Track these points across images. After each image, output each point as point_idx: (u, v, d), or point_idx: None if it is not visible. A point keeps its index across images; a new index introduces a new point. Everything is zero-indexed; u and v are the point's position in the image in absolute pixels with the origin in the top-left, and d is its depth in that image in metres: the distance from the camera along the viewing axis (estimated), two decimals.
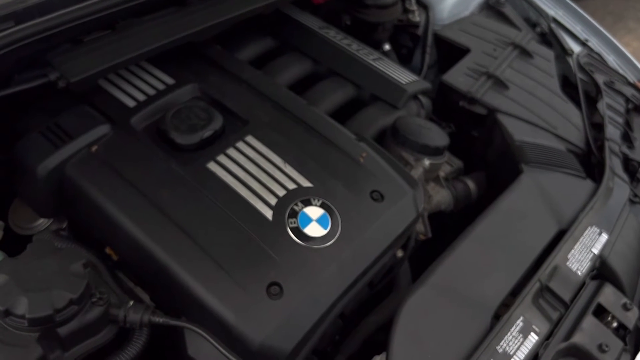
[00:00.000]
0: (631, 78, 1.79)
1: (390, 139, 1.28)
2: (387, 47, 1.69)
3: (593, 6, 4.25)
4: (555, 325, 1.03)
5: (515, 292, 1.04)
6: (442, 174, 1.40)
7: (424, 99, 1.42)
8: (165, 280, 0.96)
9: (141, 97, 1.18)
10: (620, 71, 1.80)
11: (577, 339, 1.04)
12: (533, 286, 1.04)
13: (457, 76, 1.52)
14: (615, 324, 1.10)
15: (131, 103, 1.16)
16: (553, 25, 1.85)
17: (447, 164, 1.45)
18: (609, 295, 1.13)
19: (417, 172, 1.22)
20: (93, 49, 1.10)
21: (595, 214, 1.23)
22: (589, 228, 1.19)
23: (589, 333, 1.05)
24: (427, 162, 1.24)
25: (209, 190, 1.03)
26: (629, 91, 1.69)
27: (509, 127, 1.39)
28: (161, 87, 1.20)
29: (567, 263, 1.11)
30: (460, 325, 0.97)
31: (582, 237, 1.17)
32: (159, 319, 0.90)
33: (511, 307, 1.00)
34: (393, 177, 1.13)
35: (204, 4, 1.25)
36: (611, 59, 1.83)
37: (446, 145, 1.28)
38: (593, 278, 1.16)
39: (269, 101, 1.22)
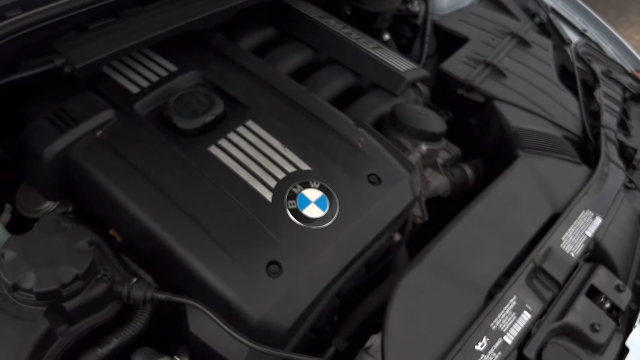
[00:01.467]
0: (629, 68, 1.80)
1: (389, 125, 1.31)
2: (386, 36, 1.71)
3: None
4: (549, 305, 1.06)
5: (509, 273, 1.06)
6: (440, 160, 1.43)
7: (422, 87, 1.45)
8: (167, 260, 0.99)
9: (144, 84, 1.20)
10: (619, 61, 1.82)
11: (570, 318, 1.06)
12: (527, 267, 1.06)
13: (456, 64, 1.55)
14: (608, 305, 1.12)
15: (135, 89, 1.19)
16: (552, 16, 1.86)
17: (445, 151, 1.47)
18: (602, 277, 1.15)
19: (414, 157, 1.25)
20: (97, 36, 1.13)
21: (589, 199, 1.25)
22: (583, 212, 1.22)
23: (582, 313, 1.08)
24: (424, 147, 1.26)
25: (210, 173, 1.06)
26: (626, 80, 1.71)
27: (506, 114, 1.41)
28: (164, 73, 1.23)
29: (561, 245, 1.13)
30: (455, 303, 1.00)
31: (576, 221, 1.19)
32: (162, 296, 0.93)
33: (505, 287, 1.02)
34: (390, 161, 1.16)
35: None
36: (609, 49, 1.85)
37: (443, 131, 1.31)
38: (587, 260, 1.18)
39: (269, 88, 1.25)
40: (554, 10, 1.90)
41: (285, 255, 0.98)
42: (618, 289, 1.15)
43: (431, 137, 1.28)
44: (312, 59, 1.49)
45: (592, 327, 1.06)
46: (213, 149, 1.09)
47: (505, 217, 1.15)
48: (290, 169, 1.09)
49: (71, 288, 0.85)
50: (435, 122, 1.31)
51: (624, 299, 1.14)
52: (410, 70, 1.44)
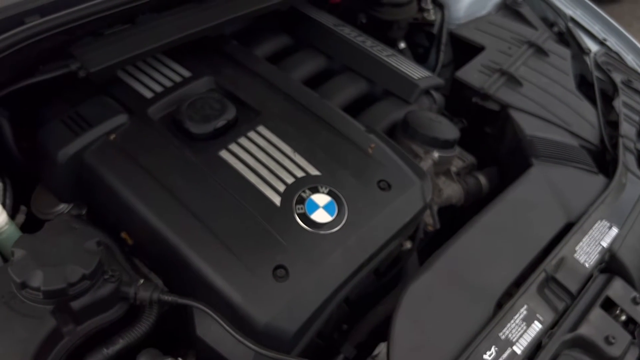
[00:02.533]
0: None
1: (401, 132, 1.30)
2: (402, 45, 1.71)
3: (620, 11, 4.19)
4: (561, 315, 1.03)
5: (520, 282, 1.05)
6: (453, 168, 1.41)
7: (436, 95, 1.44)
8: (176, 263, 0.99)
9: (158, 89, 1.22)
10: None
11: (584, 330, 1.03)
12: (538, 276, 1.04)
13: (471, 73, 1.54)
14: (624, 318, 1.10)
15: (149, 94, 1.21)
16: (570, 25, 1.84)
17: (459, 159, 1.46)
18: (618, 289, 1.12)
19: (426, 164, 1.24)
20: (112, 42, 1.15)
21: (605, 208, 1.22)
22: (599, 222, 1.19)
23: (596, 325, 1.05)
24: (436, 154, 1.25)
25: (220, 176, 1.07)
26: None
27: (521, 122, 1.39)
28: (178, 79, 1.25)
29: (575, 255, 1.11)
30: (463, 311, 0.98)
31: (591, 230, 1.16)
32: (168, 297, 0.93)
33: (515, 296, 1.00)
34: (401, 167, 1.15)
35: (221, 0, 1.29)
36: (630, 59, 1.82)
37: (456, 139, 1.30)
38: (602, 271, 1.15)
39: (281, 94, 1.25)
40: (573, 20, 1.87)
41: (293, 259, 0.97)
42: (634, 302, 1.12)
43: (444, 145, 1.27)
44: (326, 66, 1.49)
45: (607, 340, 1.04)
46: (224, 153, 1.10)
47: (517, 225, 1.14)
48: (300, 173, 1.09)
49: (78, 287, 0.85)
50: (448, 130, 1.30)
51: None
52: (424, 78, 1.44)
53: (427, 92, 1.43)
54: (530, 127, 1.39)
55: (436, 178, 1.33)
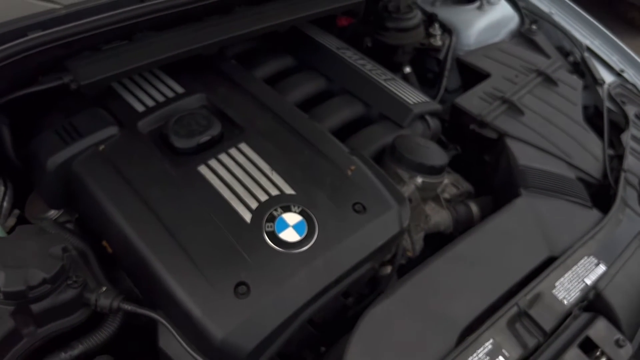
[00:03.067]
0: None
1: (388, 156, 1.29)
2: (407, 69, 1.70)
3: None
4: (532, 353, 0.99)
5: (490, 316, 1.01)
6: (446, 195, 1.39)
7: (431, 120, 1.42)
8: (145, 273, 1.01)
9: (150, 103, 1.26)
10: None
11: None
12: (509, 310, 1.01)
13: (471, 99, 1.51)
14: (604, 359, 1.05)
15: (140, 108, 1.25)
16: (586, 54, 1.80)
17: (454, 187, 1.43)
18: (600, 330, 1.07)
19: (408, 189, 1.22)
20: (106, 57, 1.20)
21: (594, 244, 1.17)
22: (586, 258, 1.14)
23: None
24: (419, 180, 1.23)
25: (195, 191, 1.09)
26: None
27: (516, 151, 1.36)
28: (171, 94, 1.28)
29: (554, 291, 1.07)
30: (423, 341, 0.95)
31: (575, 266, 1.12)
32: (127, 306, 0.95)
33: (481, 328, 0.97)
34: (380, 191, 1.14)
35: (218, 21, 1.33)
36: None
37: (444, 165, 1.28)
38: (586, 310, 1.11)
39: (270, 113, 1.27)
40: (589, 49, 1.83)
41: (255, 277, 0.98)
42: (618, 344, 1.06)
43: (430, 170, 1.25)
44: (325, 88, 1.51)
45: None
46: (202, 168, 1.12)
47: (492, 255, 1.10)
48: (275, 192, 1.09)
49: (38, 291, 0.88)
50: (436, 155, 1.28)
51: (624, 355, 1.05)
52: (420, 103, 1.43)
53: (421, 117, 1.42)
54: (525, 157, 1.35)
55: (424, 204, 1.31)
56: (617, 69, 1.80)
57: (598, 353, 1.05)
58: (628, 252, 1.21)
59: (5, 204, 1.24)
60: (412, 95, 1.45)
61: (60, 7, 1.20)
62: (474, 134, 1.46)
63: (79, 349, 0.93)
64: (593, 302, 1.12)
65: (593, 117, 1.66)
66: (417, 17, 1.67)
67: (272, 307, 0.97)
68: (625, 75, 1.79)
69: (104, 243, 1.13)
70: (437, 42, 1.70)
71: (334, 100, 1.45)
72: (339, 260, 1.04)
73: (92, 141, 1.17)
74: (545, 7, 1.95)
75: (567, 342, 1.04)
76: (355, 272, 1.07)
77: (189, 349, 0.92)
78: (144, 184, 1.10)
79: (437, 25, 1.75)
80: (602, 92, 1.68)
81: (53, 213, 1.25)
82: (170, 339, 0.98)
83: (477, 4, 1.87)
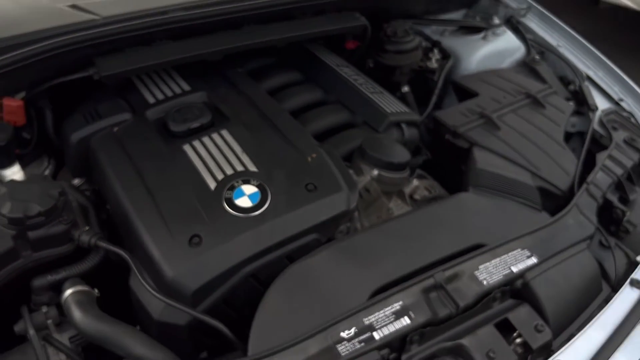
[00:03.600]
0: None
1: (356, 152, 1.45)
2: (405, 88, 1.87)
3: None
4: (443, 322, 1.09)
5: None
6: (417, 196, 1.52)
7: (407, 128, 1.57)
8: (125, 223, 1.24)
9: (161, 97, 1.52)
10: None
11: (466, 341, 1.08)
12: (425, 280, 1.12)
13: (452, 114, 1.65)
14: (519, 340, 1.12)
15: (152, 100, 1.51)
16: (586, 83, 1.87)
17: (427, 190, 1.56)
18: (521, 314, 1.14)
19: (364, 180, 1.38)
20: (125, 56, 1.48)
21: (531, 240, 1.25)
22: (519, 250, 1.22)
23: (482, 340, 1.09)
24: (375, 172, 1.38)
25: (177, 163, 1.31)
26: None
27: (479, 158, 1.47)
28: (178, 91, 1.54)
29: (476, 272, 1.16)
30: (337, 296, 1.09)
31: (505, 255, 1.20)
32: (102, 244, 1.17)
33: (392, 290, 1.09)
34: (334, 175, 1.31)
35: (225, 34, 1.59)
36: None
37: (402, 162, 1.41)
38: (514, 297, 1.19)
39: (257, 110, 1.49)
40: (589, 79, 1.90)
41: (209, 232, 1.17)
42: (536, 329, 1.13)
43: (387, 166, 1.40)
44: (321, 98, 1.70)
45: (487, 356, 1.07)
46: (186, 147, 1.35)
47: (420, 234, 1.22)
48: (240, 168, 1.30)
49: (34, 221, 1.13)
50: (396, 154, 1.42)
51: (539, 339, 1.12)
52: (399, 112, 1.59)
53: (398, 125, 1.57)
54: (486, 162, 1.46)
55: (388, 198, 1.45)
56: (616, 97, 1.85)
57: (515, 334, 1.13)
58: (569, 252, 1.27)
59: (45, 173, 1.53)
60: (393, 106, 1.61)
61: (99, 17, 1.51)
62: (449, 144, 1.59)
63: (62, 274, 1.16)
64: (520, 291, 1.19)
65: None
66: (413, 41, 1.85)
67: (218, 257, 1.15)
68: (623, 104, 1.84)
69: (108, 206, 1.38)
70: (433, 64, 1.86)
71: (324, 107, 1.65)
72: (283, 227, 1.21)
73: (108, 123, 1.44)
74: (552, 40, 2.05)
75: (484, 320, 1.13)
76: (298, 240, 1.22)
77: (144, 283, 1.12)
78: (140, 158, 1.34)
79: (436, 51, 1.91)
80: (594, 117, 1.74)
81: (77, 181, 1.52)
82: (137, 280, 1.19)
83: (482, 34, 2.00)
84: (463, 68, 1.94)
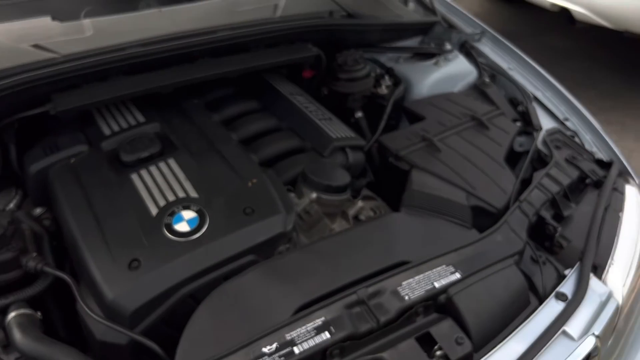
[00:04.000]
0: (605, 156, 1.79)
1: (300, 177, 1.53)
2: (359, 114, 1.95)
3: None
4: (362, 336, 1.15)
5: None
6: (362, 217, 1.60)
7: (351, 152, 1.66)
8: (74, 249, 1.32)
9: (116, 128, 1.61)
10: (595, 149, 1.82)
11: (387, 354, 1.14)
12: (348, 297, 1.18)
13: (395, 137, 1.73)
14: (440, 353, 1.17)
15: (108, 131, 1.60)
16: (533, 104, 1.95)
17: (372, 210, 1.64)
18: (443, 328, 1.20)
19: (303, 202, 1.45)
20: (82, 91, 1.58)
21: (457, 256, 1.31)
22: (444, 266, 1.29)
23: (403, 353, 1.14)
24: (314, 195, 1.46)
25: (123, 191, 1.40)
26: (588, 166, 1.72)
27: (415, 179, 1.54)
28: (133, 122, 1.63)
29: (399, 288, 1.22)
30: (261, 313, 1.16)
31: (429, 272, 1.27)
32: (47, 269, 1.25)
33: (315, 307, 1.16)
34: (272, 199, 1.39)
35: (178, 68, 1.69)
36: (588, 138, 1.86)
37: (340, 186, 1.48)
38: (437, 311, 1.25)
39: (206, 139, 1.58)
40: (537, 99, 1.98)
41: (148, 256, 1.25)
42: (457, 342, 1.19)
43: (326, 189, 1.47)
44: (274, 126, 1.78)
45: None
46: (134, 176, 1.44)
47: (346, 253, 1.29)
48: (182, 195, 1.38)
49: None
50: (335, 177, 1.50)
51: (459, 351, 1.17)
52: (344, 137, 1.67)
53: (342, 149, 1.65)
54: (422, 184, 1.53)
55: (331, 220, 1.52)
56: (561, 117, 1.93)
57: (435, 347, 1.19)
58: (495, 267, 1.33)
59: (11, 205, 1.62)
60: (339, 132, 1.70)
61: (59, 55, 1.61)
62: (392, 166, 1.66)
63: (10, 299, 1.24)
64: (444, 306, 1.25)
65: (533, 161, 1.80)
66: (364, 69, 1.94)
67: (155, 279, 1.23)
68: (568, 123, 1.91)
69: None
70: (383, 90, 1.94)
71: (276, 134, 1.73)
72: (220, 249, 1.28)
73: (65, 155, 1.54)
74: (504, 63, 2.14)
75: (406, 334, 1.19)
76: (236, 262, 1.30)
77: (83, 305, 1.20)
78: (91, 187, 1.43)
79: (387, 77, 2.00)
80: (537, 136, 1.82)
81: (39, 210, 1.61)
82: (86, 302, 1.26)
83: (434, 60, 2.09)
84: (415, 93, 2.02)
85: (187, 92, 1.80)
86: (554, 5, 4.26)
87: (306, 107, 1.80)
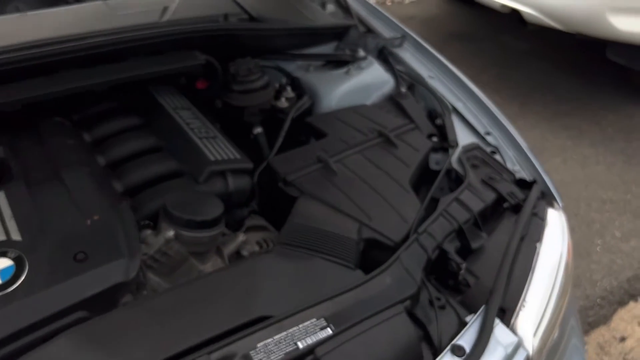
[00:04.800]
0: (528, 176, 1.60)
1: (160, 210, 1.30)
2: (258, 129, 1.72)
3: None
4: None
5: None
6: (245, 252, 1.38)
7: (233, 178, 1.43)
8: None
9: None
10: (517, 167, 1.62)
11: None
12: None
13: (288, 158, 1.51)
14: None
15: None
16: (452, 116, 1.75)
17: (258, 245, 1.42)
18: None
19: (158, 242, 1.22)
20: None
21: (333, 306, 1.10)
22: (313, 320, 1.07)
23: None
24: (171, 232, 1.23)
25: None
26: (506, 189, 1.52)
27: (300, 209, 1.33)
28: None
29: (252, 352, 1.00)
30: None
31: (294, 328, 1.05)
32: None
33: None
34: (114, 241, 1.15)
35: (33, 81, 1.44)
36: (510, 154, 1.67)
37: (207, 220, 1.26)
38: None
39: (51, 165, 1.34)
40: (456, 111, 1.78)
41: None
42: None
43: (187, 224, 1.24)
44: (152, 145, 1.55)
45: None
46: None
47: (192, 309, 1.06)
48: (2, 237, 1.13)
49: None
50: (201, 210, 1.27)
51: None
52: (225, 160, 1.44)
53: (222, 173, 1.43)
54: (307, 215, 1.31)
55: (198, 259, 1.29)
56: (482, 131, 1.73)
57: None
58: (379, 317, 1.12)
59: None
60: (222, 153, 1.47)
61: None
62: (282, 192, 1.44)
63: None
64: None
65: (450, 180, 1.60)
66: (261, 79, 1.71)
67: None
68: (490, 137, 1.71)
69: None
70: (283, 104, 1.72)
71: (149, 156, 1.50)
72: (36, 307, 1.04)
73: None
74: (425, 70, 1.93)
75: None
76: (59, 320, 1.06)
77: None
78: None
79: (289, 89, 1.78)
80: (453, 153, 1.61)
81: None
82: None
83: (345, 68, 1.88)
84: (324, 106, 1.80)
85: (54, 109, 1.56)
86: (504, 6, 4.10)
87: (188, 123, 1.57)
